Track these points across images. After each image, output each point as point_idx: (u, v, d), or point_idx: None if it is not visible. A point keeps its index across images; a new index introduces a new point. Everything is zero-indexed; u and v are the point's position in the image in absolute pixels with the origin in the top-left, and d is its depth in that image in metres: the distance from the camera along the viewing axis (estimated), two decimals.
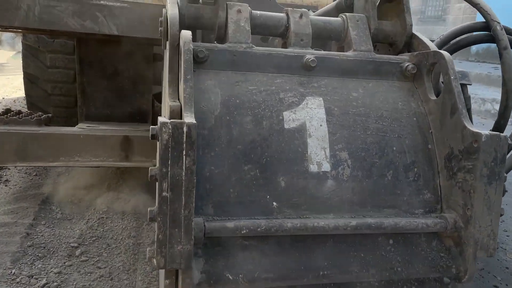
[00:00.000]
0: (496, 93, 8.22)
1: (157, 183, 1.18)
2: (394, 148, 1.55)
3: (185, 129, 1.17)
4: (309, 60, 1.60)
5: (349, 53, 1.72)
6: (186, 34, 1.41)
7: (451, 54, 2.07)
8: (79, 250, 2.40)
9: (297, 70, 1.63)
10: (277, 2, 2.71)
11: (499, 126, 1.99)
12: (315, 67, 1.61)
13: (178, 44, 1.49)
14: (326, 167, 1.47)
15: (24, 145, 2.55)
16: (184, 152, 1.17)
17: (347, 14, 1.81)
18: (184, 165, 1.17)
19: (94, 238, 2.53)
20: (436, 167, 1.57)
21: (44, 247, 2.41)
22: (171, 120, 1.17)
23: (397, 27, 1.84)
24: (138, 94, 3.03)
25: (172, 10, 1.54)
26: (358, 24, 1.79)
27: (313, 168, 1.46)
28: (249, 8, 1.72)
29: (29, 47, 3.19)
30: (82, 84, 2.89)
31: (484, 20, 2.10)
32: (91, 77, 2.89)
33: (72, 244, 2.45)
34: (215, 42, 2.00)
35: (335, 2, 2.28)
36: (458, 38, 2.13)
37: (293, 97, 1.55)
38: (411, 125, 1.61)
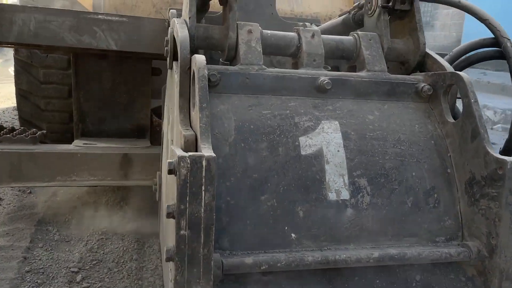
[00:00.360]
0: (485, 99, 8.28)
1: (174, 220, 1.10)
2: (414, 173, 1.50)
3: (204, 163, 1.10)
4: (324, 82, 1.54)
5: (363, 73, 1.67)
6: (200, 59, 1.34)
7: (460, 70, 2.04)
8: (80, 275, 2.30)
9: (311, 92, 1.57)
10: (280, 16, 2.66)
11: (510, 146, 1.95)
12: (329, 89, 1.56)
13: (189, 67, 1.42)
14: (345, 194, 1.41)
15: (18, 165, 2.45)
16: (203, 188, 1.10)
17: (359, 33, 1.76)
18: (203, 201, 1.10)
19: (95, 262, 2.44)
20: (456, 193, 1.52)
21: (43, 273, 2.30)
22: (190, 154, 1.10)
23: (409, 46, 1.80)
24: (136, 109, 2.95)
25: (181, 32, 1.47)
26: (371, 43, 1.74)
27: (332, 196, 1.40)
28: (260, 27, 1.66)
29: (21, 62, 3.09)
30: (79, 99, 2.80)
31: (494, 36, 2.07)
32: (87, 93, 2.80)
33: (72, 269, 2.35)
34: (220, 59, 1.94)
35: (342, 17, 2.24)
36: (467, 55, 2.09)
37: (309, 121, 1.49)
38: (429, 149, 1.56)
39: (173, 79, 1.68)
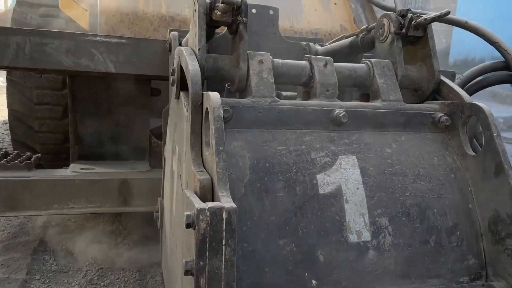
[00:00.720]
0: None
1: (193, 278, 1.02)
2: (435, 210, 1.44)
3: (224, 215, 1.02)
4: (340, 115, 1.48)
5: (378, 103, 1.61)
6: (215, 98, 1.26)
7: (471, 95, 1.99)
8: None
9: (326, 125, 1.51)
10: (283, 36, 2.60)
11: None
12: (345, 122, 1.49)
13: (201, 103, 1.35)
14: (366, 236, 1.34)
15: (13, 194, 2.34)
16: (223, 242, 1.03)
17: (372, 60, 1.70)
18: (223, 256, 1.03)
19: None
20: (478, 229, 1.46)
21: None
22: (209, 205, 1.03)
23: (423, 73, 1.75)
24: (135, 130, 2.85)
25: (192, 65, 1.39)
26: (385, 71, 1.68)
27: (353, 238, 1.33)
28: (271, 57, 1.59)
29: (14, 83, 2.98)
30: (75, 122, 2.70)
31: (505, 60, 2.03)
32: (84, 115, 2.70)
33: None
34: (226, 85, 1.87)
35: (349, 39, 2.19)
36: (478, 78, 2.05)
37: (325, 157, 1.43)
38: (449, 183, 1.50)
39: (180, 109, 1.61)
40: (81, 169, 2.59)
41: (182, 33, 2.37)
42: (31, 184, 2.37)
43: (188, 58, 1.45)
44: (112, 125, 2.79)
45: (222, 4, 1.44)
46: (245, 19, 1.52)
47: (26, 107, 3.00)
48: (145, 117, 2.85)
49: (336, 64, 1.68)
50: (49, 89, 2.93)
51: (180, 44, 2.27)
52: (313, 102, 1.55)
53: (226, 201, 1.07)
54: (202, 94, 1.35)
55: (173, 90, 1.69)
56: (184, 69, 1.50)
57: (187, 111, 1.44)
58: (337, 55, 2.32)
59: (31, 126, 3.05)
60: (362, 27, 2.08)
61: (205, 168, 1.28)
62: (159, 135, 2.97)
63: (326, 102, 1.56)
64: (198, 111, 1.35)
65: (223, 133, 1.20)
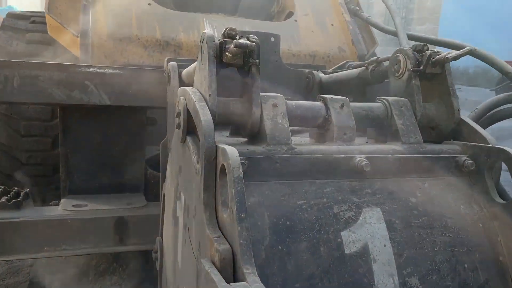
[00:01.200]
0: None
1: None
2: (466, 266, 1.34)
3: None
4: (362, 163, 1.38)
5: (398, 146, 1.52)
6: (234, 156, 1.15)
7: (485, 128, 1.91)
8: None
9: (346, 173, 1.40)
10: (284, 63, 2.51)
11: None
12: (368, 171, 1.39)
13: (215, 158, 1.23)
14: None
15: (1, 237, 2.18)
16: None
17: (388, 99, 1.62)
18: None
19: None
20: (510, 282, 1.37)
21: None
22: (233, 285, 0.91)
23: (441, 111, 1.66)
24: (129, 162, 2.72)
25: (204, 115, 1.28)
26: (403, 111, 1.60)
27: None
28: (284, 99, 1.49)
29: (0, 114, 2.82)
30: (66, 155, 2.56)
31: None
32: (76, 147, 2.56)
33: None
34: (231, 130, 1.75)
35: (357, 70, 2.10)
36: (493, 111, 1.98)
37: (349, 211, 1.32)
38: (478, 234, 1.41)
39: (187, 155, 1.49)
40: (73, 206, 2.44)
41: (179, 61, 2.27)
42: (21, 225, 2.22)
43: (199, 105, 1.33)
44: (105, 157, 2.65)
45: (235, 48, 1.33)
46: (257, 61, 1.42)
47: (13, 139, 2.84)
48: (140, 148, 2.72)
49: (351, 104, 1.59)
50: (38, 120, 2.78)
51: (179, 75, 2.16)
52: (331, 148, 1.45)
53: (253, 281, 0.95)
54: (216, 147, 1.23)
55: (178, 132, 1.56)
56: (193, 116, 1.39)
57: (198, 163, 1.33)
58: (344, 86, 2.23)
59: (19, 158, 2.89)
60: (372, 59, 2.00)
61: (221, 232, 1.16)
62: (155, 165, 2.85)
63: (345, 147, 1.46)
64: (212, 165, 1.24)
65: (244, 197, 1.09)
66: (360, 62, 2.28)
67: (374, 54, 3.58)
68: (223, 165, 1.17)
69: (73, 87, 2.21)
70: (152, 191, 2.78)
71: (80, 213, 2.35)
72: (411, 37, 2.79)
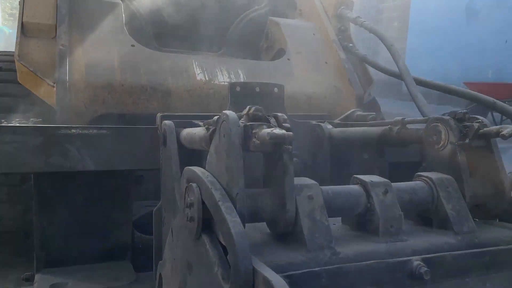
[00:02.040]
0: None
1: None
2: None
3: None
4: (421, 270, 1.14)
5: (451, 239, 1.30)
6: (279, 284, 0.89)
7: None
8: None
9: (402, 280, 1.17)
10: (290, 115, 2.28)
11: None
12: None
13: (252, 285, 0.97)
14: None
15: None
16: None
17: (432, 177, 1.40)
18: None
19: None
20: None
21: None
22: None
23: (487, 188, 1.46)
24: (115, 226, 2.39)
25: (235, 226, 1.01)
26: (450, 192, 1.38)
27: None
28: (319, 187, 1.25)
29: None
30: (41, 224, 2.21)
31: None
32: (53, 215, 2.22)
33: None
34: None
35: (380, 128, 1.88)
36: None
37: None
38: None
39: (202, 255, 1.21)
40: (51, 286, 2.09)
41: (174, 118, 2.01)
42: None
43: (225, 208, 1.07)
44: (87, 223, 2.32)
45: (268, 139, 1.08)
46: (290, 147, 1.17)
47: None
48: (126, 211, 2.40)
49: (393, 185, 1.36)
50: (5, 186, 2.43)
51: (178, 135, 1.88)
52: (379, 247, 1.21)
53: None
54: (254, 270, 0.97)
55: (190, 227, 1.28)
56: (213, 214, 1.12)
57: (224, 279, 1.06)
58: (362, 143, 2.02)
59: None
60: (396, 119, 1.79)
61: None
62: (143, 226, 2.54)
63: (395, 246, 1.23)
64: None
65: None
66: (375, 119, 2.07)
67: (369, 95, 3.42)
68: None
69: (52, 153, 1.90)
70: (140, 258, 2.46)
71: None
72: (418, 82, 2.62)
